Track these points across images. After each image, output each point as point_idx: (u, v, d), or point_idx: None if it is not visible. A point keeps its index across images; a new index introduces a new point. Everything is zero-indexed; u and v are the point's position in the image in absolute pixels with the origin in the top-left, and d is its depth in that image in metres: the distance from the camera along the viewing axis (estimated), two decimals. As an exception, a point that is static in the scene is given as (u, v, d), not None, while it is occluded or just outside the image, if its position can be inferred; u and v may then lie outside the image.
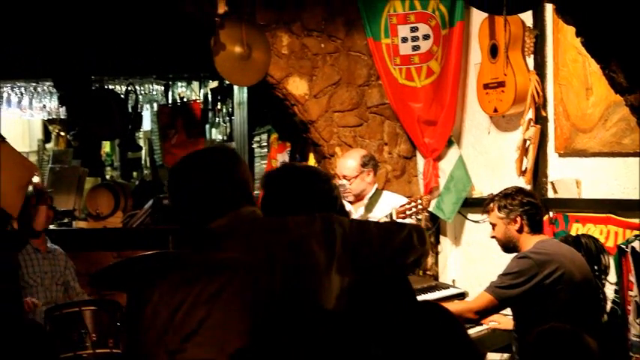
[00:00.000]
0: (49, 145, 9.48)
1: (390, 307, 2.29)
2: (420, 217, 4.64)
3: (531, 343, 2.61)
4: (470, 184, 5.40)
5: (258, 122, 7.30)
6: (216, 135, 8.27)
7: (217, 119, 8.22)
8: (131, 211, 6.73)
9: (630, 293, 3.87)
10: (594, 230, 4.34)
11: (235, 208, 2.28)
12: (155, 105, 8.58)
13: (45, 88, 8.18)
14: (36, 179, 4.51)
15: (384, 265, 2.39)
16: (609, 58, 2.88)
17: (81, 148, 8.18)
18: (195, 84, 8.48)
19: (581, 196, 4.54)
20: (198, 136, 8.15)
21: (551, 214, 4.62)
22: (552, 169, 4.75)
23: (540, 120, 4.75)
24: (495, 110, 4.96)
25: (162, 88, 8.43)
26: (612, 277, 4.05)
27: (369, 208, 4.80)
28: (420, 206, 4.50)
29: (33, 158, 9.15)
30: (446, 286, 4.97)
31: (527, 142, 4.78)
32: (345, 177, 4.78)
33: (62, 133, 9.13)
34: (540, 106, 4.72)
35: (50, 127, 9.41)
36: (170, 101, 8.46)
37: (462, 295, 4.82)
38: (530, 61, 4.82)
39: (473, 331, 4.12)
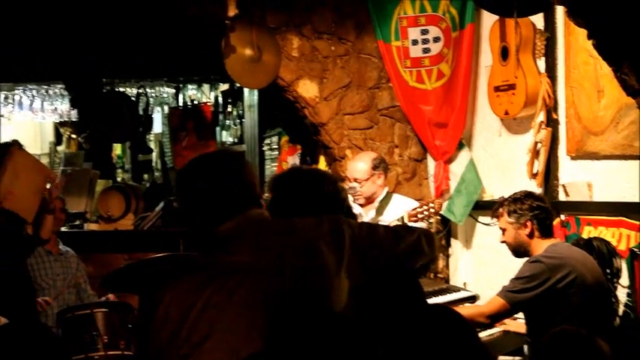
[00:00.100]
0: (61, 148, 9.51)
1: (398, 310, 2.29)
2: (431, 220, 4.63)
3: (544, 346, 2.61)
4: (481, 187, 5.39)
5: (268, 125, 7.31)
6: (226, 137, 8.27)
7: (228, 122, 8.22)
8: (142, 213, 6.74)
9: (642, 296, 3.86)
10: (606, 233, 4.32)
11: (243, 211, 2.28)
12: (166, 107, 8.59)
13: (56, 90, 8.21)
14: (49, 186, 4.52)
15: (392, 267, 2.39)
16: (621, 60, 2.87)
17: (92, 151, 8.20)
18: (206, 86, 8.49)
19: (593, 199, 4.53)
20: (209, 138, 8.16)
21: (562, 217, 4.60)
22: (564, 171, 4.74)
23: (551, 122, 4.73)
24: (506, 113, 4.95)
25: (173, 90, 8.45)
26: (624, 280, 4.04)
27: (379, 211, 4.79)
28: (431, 210, 4.50)
29: (44, 161, 9.18)
30: (457, 289, 4.96)
31: (539, 145, 4.77)
32: (356, 180, 4.78)
33: (73, 136, 9.16)
34: (551, 109, 4.71)
35: (62, 130, 9.44)
36: (181, 104, 8.47)
37: (473, 298, 4.80)
38: (541, 63, 4.81)
39: (484, 334, 4.11)
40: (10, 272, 4.21)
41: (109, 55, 6.99)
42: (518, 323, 4.13)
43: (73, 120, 8.68)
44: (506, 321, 4.15)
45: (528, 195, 3.91)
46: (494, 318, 3.85)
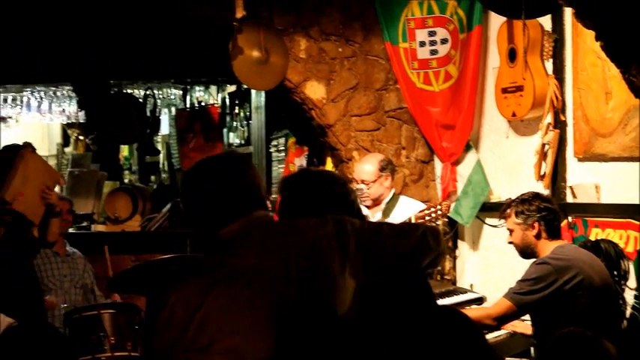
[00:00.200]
0: (68, 149, 9.53)
1: (405, 311, 2.29)
2: (438, 222, 4.62)
3: (550, 348, 2.60)
4: (488, 189, 5.38)
5: (275, 126, 7.31)
6: (233, 139, 8.28)
7: (235, 123, 8.23)
8: (149, 214, 6.76)
9: (650, 299, 3.85)
10: (614, 235, 4.31)
11: (248, 213, 2.29)
12: (173, 109, 8.60)
13: (64, 92, 8.23)
14: (57, 189, 4.53)
15: (398, 266, 2.38)
16: (629, 62, 2.86)
17: (100, 152, 8.22)
18: (213, 88, 8.50)
19: (601, 201, 4.51)
20: (216, 140, 8.16)
21: (570, 219, 4.59)
22: (571, 173, 4.73)
23: (559, 124, 4.72)
24: (514, 114, 4.94)
25: (181, 92, 8.46)
26: (632, 282, 4.02)
27: (386, 212, 4.79)
28: (439, 212, 4.50)
29: (52, 162, 9.21)
30: (464, 291, 4.95)
31: (546, 147, 4.76)
32: (363, 181, 4.77)
33: (81, 137, 9.18)
34: (559, 111, 4.70)
35: (69, 131, 9.46)
36: (188, 105, 8.48)
37: (480, 300, 4.80)
38: (549, 65, 4.80)
39: (491, 336, 4.10)
40: (16, 273, 4.22)
41: (116, 56, 7.01)
42: (525, 325, 4.12)
43: (81, 121, 8.69)
44: (513, 323, 4.14)
45: (536, 196, 3.91)
46: (501, 320, 3.85)
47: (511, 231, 3.91)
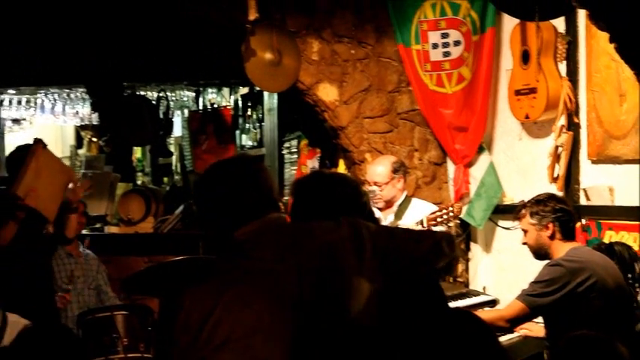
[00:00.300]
0: (82, 151, 9.57)
1: (419, 314, 2.29)
2: (450, 224, 4.62)
3: (562, 350, 2.59)
4: (501, 191, 5.37)
5: (288, 128, 7.32)
6: (246, 141, 8.30)
7: (247, 125, 8.25)
8: (162, 216, 6.78)
9: (664, 302, 3.83)
10: (628, 238, 4.29)
11: (261, 215, 2.29)
12: (186, 111, 8.63)
13: (78, 94, 8.27)
14: (71, 185, 4.55)
15: (412, 270, 2.38)
16: (643, 64, 2.85)
17: (113, 154, 8.25)
18: (226, 90, 8.52)
19: (614, 204, 4.49)
20: (229, 142, 8.19)
21: (583, 221, 4.58)
22: (585, 175, 4.71)
23: (573, 126, 4.71)
24: (527, 116, 4.93)
25: (193, 94, 8.49)
26: (646, 285, 4.00)
27: (398, 215, 4.79)
28: (451, 214, 4.49)
29: (65, 164, 9.23)
30: (477, 294, 4.95)
31: (560, 149, 4.74)
32: (376, 183, 4.77)
33: (94, 139, 9.21)
34: (573, 113, 4.69)
35: (82, 133, 9.50)
36: (201, 107, 8.51)
37: (493, 303, 4.79)
38: (563, 67, 4.79)
39: (504, 339, 4.09)
40: (31, 272, 4.24)
41: (129, 58, 7.04)
42: (538, 327, 4.11)
43: (94, 123, 8.73)
44: (526, 325, 4.13)
45: (551, 197, 3.90)
46: (514, 322, 3.84)
47: (525, 232, 3.90)
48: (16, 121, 8.79)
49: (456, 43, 5.47)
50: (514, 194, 5.30)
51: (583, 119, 4.69)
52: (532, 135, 5.15)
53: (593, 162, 4.65)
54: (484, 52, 5.38)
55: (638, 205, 4.33)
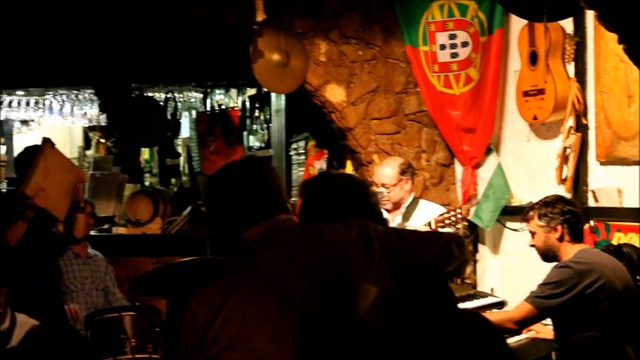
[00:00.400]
0: (90, 152, 9.59)
1: (427, 315, 2.29)
2: (458, 226, 4.61)
3: (568, 352, 2.59)
4: (509, 192, 5.36)
5: (295, 129, 7.32)
6: (253, 142, 8.30)
7: (255, 126, 8.25)
8: (170, 217, 6.79)
9: (673, 304, 3.81)
10: (636, 239, 4.28)
11: (270, 217, 2.29)
12: (194, 112, 8.64)
13: (86, 95, 8.28)
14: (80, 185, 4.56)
15: (421, 272, 2.38)
16: (652, 65, 2.85)
17: (121, 155, 8.27)
18: (234, 91, 8.52)
19: (623, 205, 4.48)
20: (236, 143, 8.19)
21: (592, 223, 4.56)
22: (593, 177, 4.70)
23: (581, 128, 4.70)
24: (535, 118, 4.92)
25: (201, 95, 8.49)
26: (655, 287, 3.98)
27: (406, 216, 4.78)
28: (459, 216, 4.48)
29: (74, 163, 9.25)
30: (484, 295, 4.94)
31: (568, 150, 4.73)
32: (383, 185, 4.77)
33: (102, 140, 9.23)
34: (581, 114, 4.68)
35: (90, 134, 9.51)
36: (208, 108, 8.51)
37: (500, 304, 4.78)
38: (571, 68, 4.78)
39: (512, 340, 4.08)
40: (41, 271, 4.24)
41: (137, 60, 7.05)
42: (546, 329, 4.10)
43: (102, 124, 8.74)
44: (535, 326, 4.12)
45: (559, 199, 3.89)
46: (523, 324, 3.83)
47: (533, 233, 3.89)
48: (24, 122, 8.81)
49: (464, 44, 5.47)
50: (522, 196, 5.29)
51: (591, 120, 4.68)
52: (540, 136, 5.14)
53: (602, 163, 4.64)
54: (492, 53, 5.38)
55: (646, 206, 4.32)
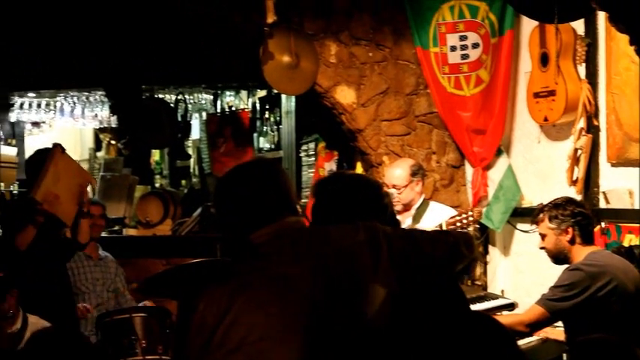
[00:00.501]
0: (100, 154, 9.63)
1: (436, 317, 2.28)
2: (470, 228, 4.59)
3: (577, 354, 2.58)
4: (519, 194, 5.34)
5: (305, 131, 7.32)
6: (264, 144, 8.31)
7: (265, 128, 8.26)
8: (180, 219, 6.81)
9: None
10: (648, 241, 4.26)
11: (279, 219, 2.29)
12: (204, 114, 8.65)
13: (97, 97, 8.32)
14: (89, 189, 4.56)
15: (430, 272, 2.37)
16: (664, 66, 2.84)
17: (131, 157, 8.30)
18: (244, 93, 8.54)
19: (634, 207, 4.46)
20: (247, 144, 8.20)
21: (603, 224, 4.54)
22: (604, 178, 4.68)
23: (592, 129, 4.68)
24: (546, 119, 4.91)
25: (211, 97, 8.51)
26: (666, 289, 3.96)
27: (416, 218, 4.77)
28: (470, 218, 4.47)
29: (84, 166, 9.26)
30: (495, 297, 4.92)
31: (579, 152, 4.71)
32: (394, 186, 4.76)
33: (113, 142, 9.27)
34: (592, 115, 4.66)
35: (101, 136, 9.55)
36: (219, 110, 8.53)
37: (511, 306, 4.77)
38: (582, 69, 4.76)
39: (523, 342, 4.07)
40: (51, 275, 4.26)
41: (148, 62, 7.07)
42: (557, 331, 4.09)
43: (113, 126, 8.79)
44: (546, 329, 4.11)
45: (570, 201, 3.87)
46: (534, 327, 3.82)
47: (543, 236, 3.87)
48: (35, 124, 8.86)
49: (475, 45, 5.46)
50: (533, 197, 5.28)
51: (602, 122, 4.66)
52: (551, 138, 5.13)
53: (613, 165, 4.62)
54: (502, 55, 5.36)
55: (658, 208, 4.31)
